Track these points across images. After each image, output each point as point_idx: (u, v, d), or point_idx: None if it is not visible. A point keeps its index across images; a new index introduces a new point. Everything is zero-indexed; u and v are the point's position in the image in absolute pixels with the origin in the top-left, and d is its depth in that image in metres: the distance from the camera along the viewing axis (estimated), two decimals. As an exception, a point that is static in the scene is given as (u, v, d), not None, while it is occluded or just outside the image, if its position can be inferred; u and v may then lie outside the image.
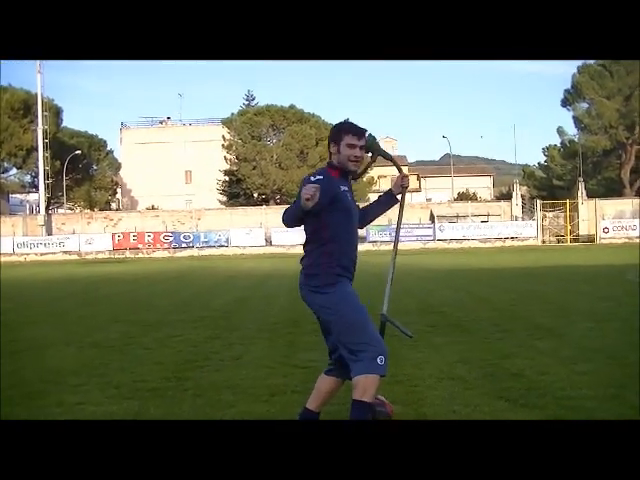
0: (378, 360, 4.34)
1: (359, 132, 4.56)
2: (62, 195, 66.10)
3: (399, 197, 5.06)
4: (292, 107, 65.89)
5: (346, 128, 4.58)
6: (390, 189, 5.06)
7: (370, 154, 4.95)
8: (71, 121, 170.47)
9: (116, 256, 51.93)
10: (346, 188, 4.55)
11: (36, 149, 58.68)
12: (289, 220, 4.41)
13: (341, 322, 4.41)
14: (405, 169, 5.09)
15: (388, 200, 5.01)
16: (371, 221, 5.10)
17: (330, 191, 4.34)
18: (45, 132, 57.47)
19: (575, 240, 53.64)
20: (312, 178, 4.37)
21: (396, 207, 5.14)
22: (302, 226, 4.53)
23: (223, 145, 66.14)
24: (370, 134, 4.79)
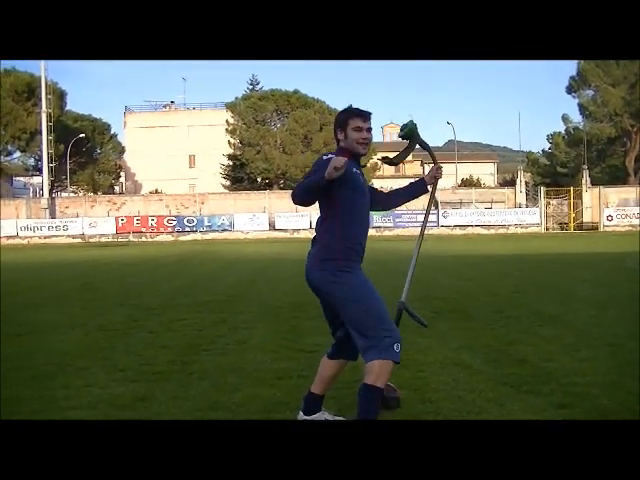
0: (395, 347, 4.33)
1: (364, 114, 4.54)
2: (66, 178, 66.05)
3: (429, 187, 5.10)
4: (296, 92, 65.75)
5: (351, 112, 4.56)
6: (422, 178, 5.09)
7: (409, 141, 4.95)
8: (75, 104, 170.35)
9: (119, 240, 51.94)
10: (358, 171, 4.53)
11: (40, 132, 58.57)
12: (303, 194, 4.26)
13: (357, 308, 4.35)
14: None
15: (418, 189, 5.05)
16: (397, 206, 5.21)
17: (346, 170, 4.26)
18: (49, 115, 57.37)
19: (579, 228, 53.55)
20: (325, 157, 4.33)
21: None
22: (313, 205, 4.46)
23: (227, 129, 66.04)
24: (411, 120, 4.79)
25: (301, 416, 4.84)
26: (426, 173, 5.11)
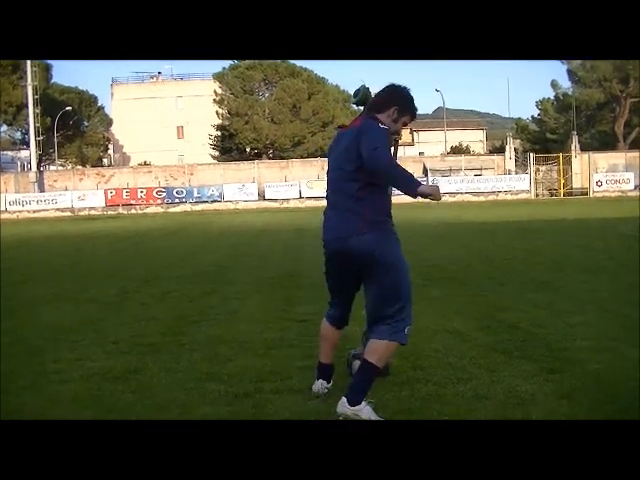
0: (406, 330, 4.29)
1: (415, 117, 4.57)
2: (53, 152, 65.62)
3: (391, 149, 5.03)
4: (284, 61, 65.32)
5: (413, 111, 4.51)
6: None
7: (363, 106, 4.88)
8: (61, 77, 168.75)
9: (109, 212, 51.77)
10: None
11: (26, 105, 58.03)
12: (390, 178, 4.16)
13: (397, 279, 4.28)
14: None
15: None
16: None
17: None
18: (35, 88, 56.82)
19: (568, 194, 53.61)
20: (382, 126, 4.25)
21: None
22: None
23: (215, 100, 65.63)
24: (363, 85, 4.68)
25: (322, 384, 4.83)
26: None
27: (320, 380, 4.86)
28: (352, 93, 4.84)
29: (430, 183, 52.34)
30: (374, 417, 4.18)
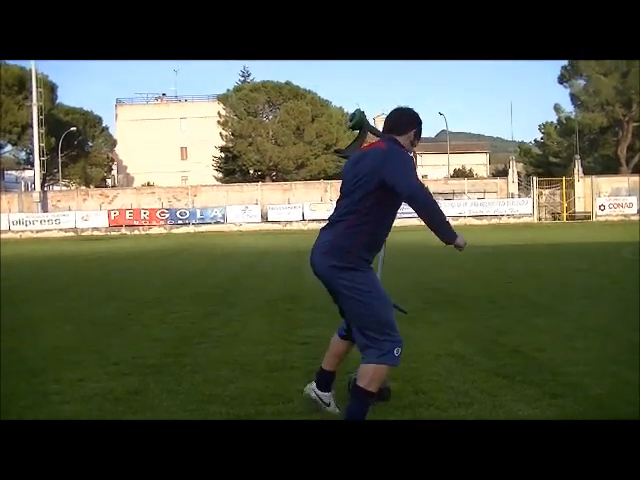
0: (395, 351, 4.24)
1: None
2: (57, 172, 65.77)
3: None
4: (288, 83, 65.63)
5: (421, 134, 4.58)
6: None
7: (359, 130, 4.94)
8: (66, 97, 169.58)
9: (112, 233, 51.85)
10: None
11: (31, 125, 58.27)
12: (428, 214, 4.18)
13: (365, 307, 4.25)
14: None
15: None
16: None
17: None
18: (40, 108, 57.10)
19: (571, 217, 53.59)
20: (408, 152, 4.36)
21: None
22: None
23: (219, 121, 65.91)
24: (358, 109, 4.76)
25: (312, 386, 4.85)
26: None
27: (313, 383, 4.91)
28: (348, 117, 4.90)
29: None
30: None
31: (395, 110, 4.59)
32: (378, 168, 4.22)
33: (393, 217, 4.52)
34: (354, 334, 4.39)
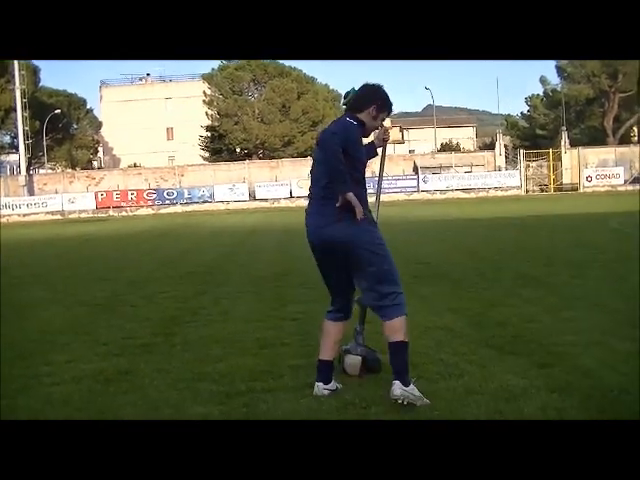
0: (404, 303, 4.58)
1: (390, 113, 4.88)
2: (43, 155, 65.35)
3: (379, 150, 5.10)
4: (273, 61, 65.25)
5: (389, 107, 4.79)
6: (372, 141, 5.08)
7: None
8: (49, 80, 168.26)
9: (100, 215, 51.67)
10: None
11: (14, 109, 57.84)
12: (330, 168, 4.44)
13: (380, 265, 4.51)
14: (388, 121, 5.09)
15: (368, 152, 4.99)
16: None
17: (360, 140, 4.60)
18: (23, 92, 56.61)
19: (558, 189, 53.78)
20: (351, 121, 4.60)
21: (376, 159, 5.21)
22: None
23: (204, 101, 65.56)
24: (353, 88, 4.83)
25: (322, 387, 4.79)
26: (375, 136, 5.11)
27: (320, 383, 4.80)
28: (343, 95, 5.00)
29: (422, 180, 52.58)
30: (418, 393, 4.44)
31: (360, 87, 4.80)
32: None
33: (364, 181, 4.72)
34: (365, 298, 4.65)
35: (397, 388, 4.41)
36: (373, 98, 4.70)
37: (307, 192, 4.81)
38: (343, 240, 4.51)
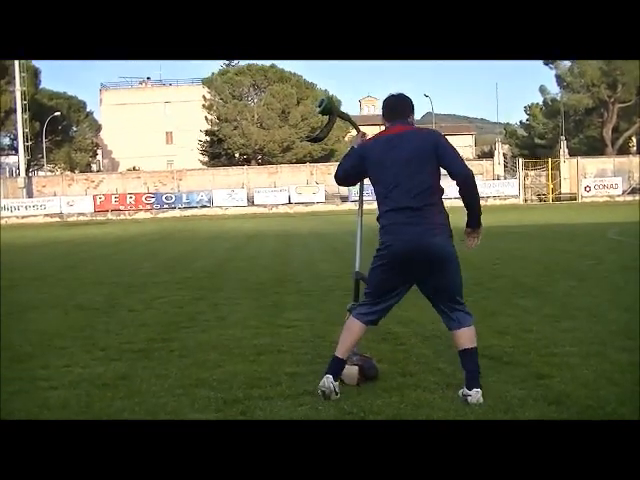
0: None
1: None
2: (42, 157, 65.32)
3: None
4: (273, 66, 65.30)
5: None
6: (352, 146, 5.12)
7: (328, 116, 5.18)
8: (49, 82, 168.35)
9: (98, 218, 51.63)
10: None
11: (14, 111, 57.86)
12: (476, 196, 5.08)
13: (458, 275, 4.87)
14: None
15: None
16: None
17: None
18: (23, 93, 56.62)
19: (557, 199, 53.78)
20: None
21: None
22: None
23: (204, 105, 65.61)
24: (326, 96, 4.89)
25: (330, 379, 4.77)
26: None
27: (330, 376, 4.78)
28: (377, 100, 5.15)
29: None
30: None
31: (395, 97, 4.95)
32: (434, 149, 4.69)
33: None
34: (448, 306, 4.86)
35: (478, 395, 4.61)
36: (412, 106, 4.95)
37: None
38: (442, 252, 4.74)
